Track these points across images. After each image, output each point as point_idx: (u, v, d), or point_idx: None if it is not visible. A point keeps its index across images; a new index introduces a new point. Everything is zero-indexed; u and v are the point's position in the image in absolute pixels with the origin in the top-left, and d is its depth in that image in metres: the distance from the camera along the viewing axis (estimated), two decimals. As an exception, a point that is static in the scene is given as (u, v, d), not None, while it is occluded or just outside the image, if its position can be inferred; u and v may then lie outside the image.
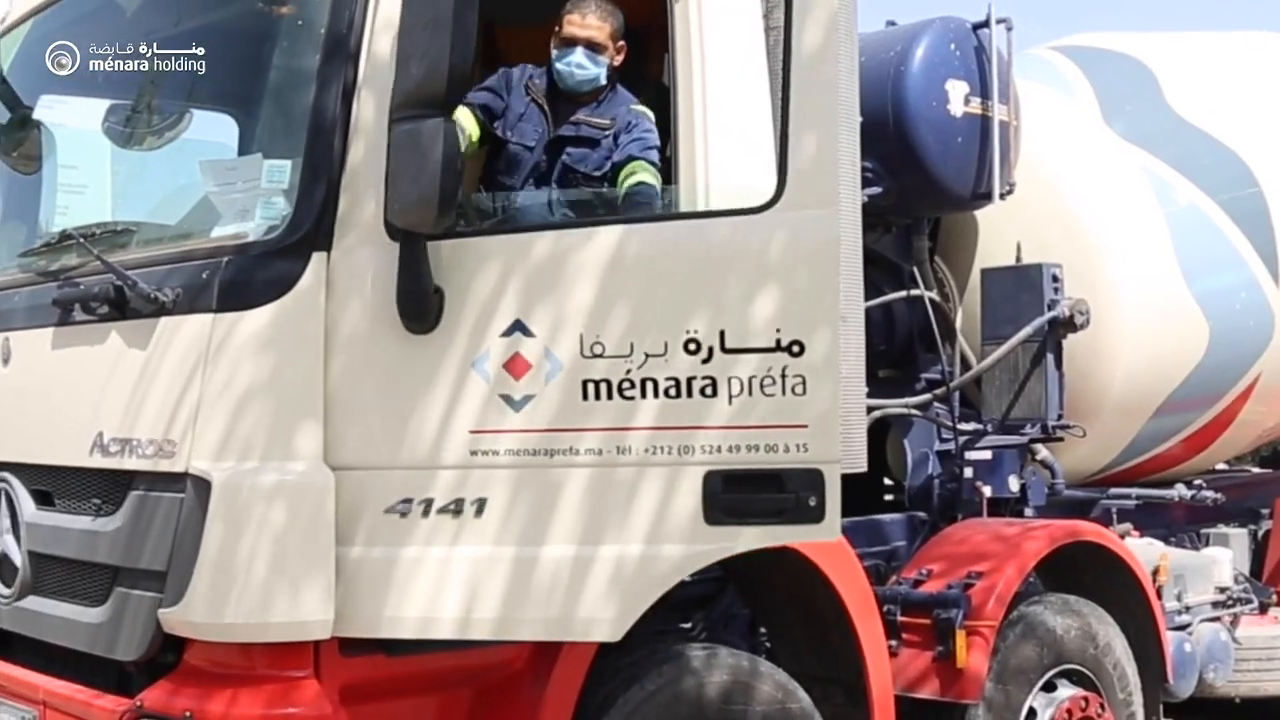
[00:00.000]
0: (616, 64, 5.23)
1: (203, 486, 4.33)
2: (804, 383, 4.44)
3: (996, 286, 7.33)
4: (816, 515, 4.51)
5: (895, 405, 7.05)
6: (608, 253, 4.51)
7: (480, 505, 4.47)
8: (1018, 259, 7.33)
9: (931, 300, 7.31)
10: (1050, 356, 7.17)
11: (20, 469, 5.18)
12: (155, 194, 5.55)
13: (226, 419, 4.37)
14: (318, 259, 4.39)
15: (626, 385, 4.44)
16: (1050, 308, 7.11)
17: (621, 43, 5.17)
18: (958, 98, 6.92)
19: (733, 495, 4.49)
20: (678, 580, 4.62)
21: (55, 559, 5.00)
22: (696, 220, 4.74)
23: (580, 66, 5.15)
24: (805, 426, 4.47)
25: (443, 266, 4.40)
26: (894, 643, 6.20)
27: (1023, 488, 7.45)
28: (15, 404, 5.27)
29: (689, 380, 4.43)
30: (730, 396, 4.44)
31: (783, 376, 4.43)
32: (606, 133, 5.20)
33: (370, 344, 4.45)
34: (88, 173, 5.57)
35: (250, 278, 4.39)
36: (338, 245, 4.41)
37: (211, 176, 4.80)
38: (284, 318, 4.38)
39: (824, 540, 4.78)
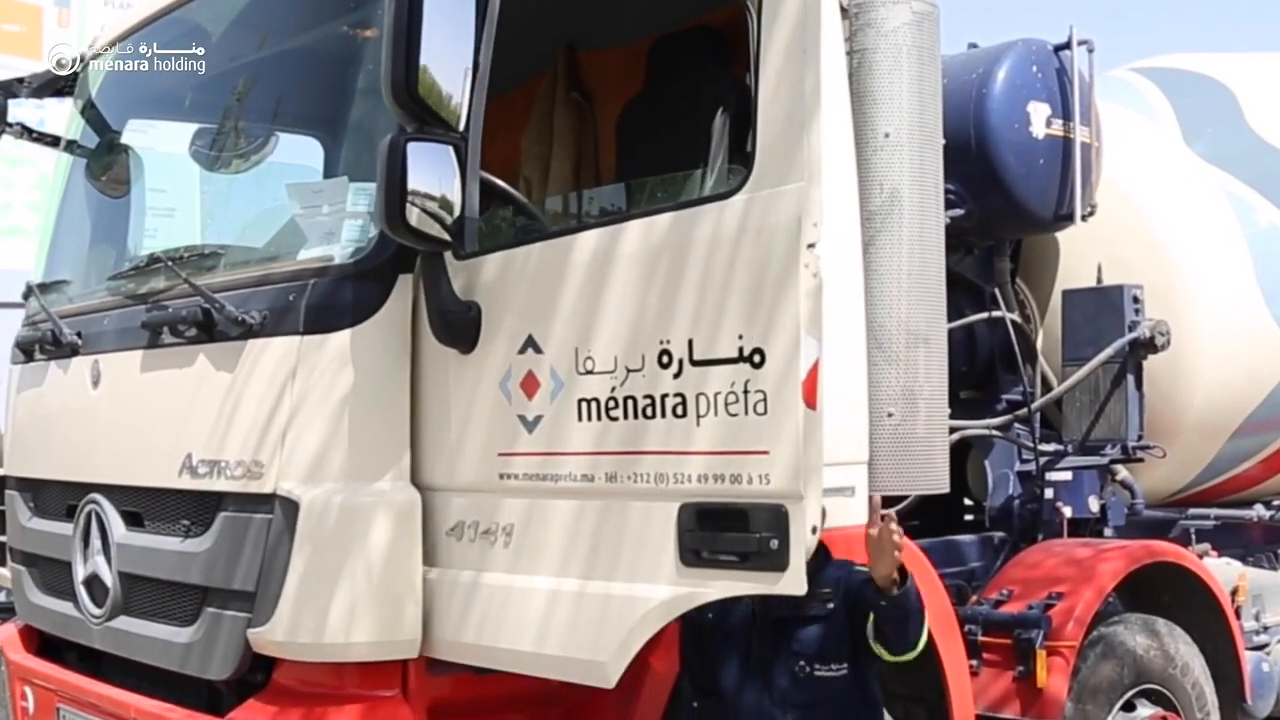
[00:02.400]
0: None
1: (290, 507, 4.30)
2: (765, 400, 3.72)
3: (1078, 308, 7.17)
4: (779, 562, 3.70)
5: (976, 426, 6.89)
6: (591, 255, 4.16)
7: (508, 532, 4.30)
8: (1099, 280, 7.19)
9: (1013, 321, 7.15)
10: (1130, 377, 7.01)
11: (110, 490, 5.16)
12: (242, 217, 5.53)
13: (313, 440, 4.35)
14: (402, 281, 4.37)
15: (611, 404, 4.02)
16: (1131, 329, 6.94)
17: None
18: (1039, 120, 6.77)
19: (702, 533, 3.87)
20: (664, 624, 4.10)
21: (145, 579, 4.98)
22: (672, 213, 4.07)
23: None
24: (766, 453, 3.72)
25: (477, 284, 4.32)
26: (975, 662, 6.09)
27: (1103, 508, 7.30)
28: (105, 426, 5.25)
29: (662, 398, 3.92)
30: (698, 417, 3.85)
31: (745, 393, 3.76)
32: None
33: (438, 365, 4.41)
34: (176, 196, 5.61)
35: (336, 300, 4.36)
36: (422, 267, 4.35)
37: (298, 199, 4.77)
38: (369, 339, 4.35)
39: (790, 593, 3.75)
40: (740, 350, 3.77)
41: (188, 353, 4.73)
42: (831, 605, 4.36)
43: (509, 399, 4.23)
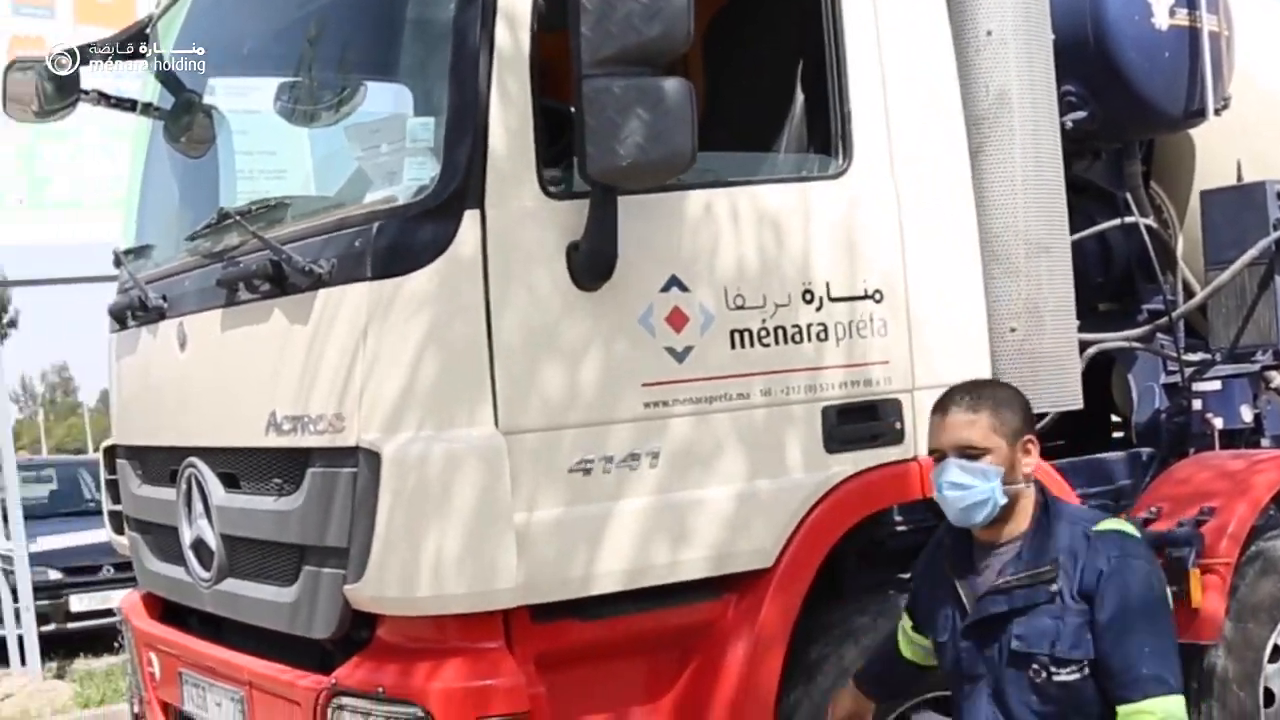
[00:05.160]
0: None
1: (373, 459, 4.21)
2: (885, 325, 4.95)
3: (1218, 208, 6.84)
4: (900, 437, 5.00)
5: (1115, 339, 6.62)
6: (746, 212, 4.71)
7: (655, 456, 4.51)
8: (1239, 178, 6.86)
9: (1148, 227, 6.85)
10: (1279, 278, 6.67)
11: (206, 453, 5.15)
12: (310, 166, 5.47)
13: (391, 388, 4.26)
14: (471, 217, 4.24)
15: (763, 333, 4.70)
16: (1276, 227, 6.62)
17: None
18: (1162, 9, 6.41)
19: (844, 426, 4.87)
20: (812, 505, 4.79)
21: (246, 541, 4.96)
22: (803, 184, 4.95)
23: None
24: (888, 362, 4.96)
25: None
26: (1125, 584, 5.83)
27: (1257, 417, 6.98)
28: (195, 388, 5.25)
29: (807, 326, 4.79)
30: (836, 340, 4.85)
31: (869, 320, 4.91)
32: None
33: (534, 303, 4.33)
34: (248, 151, 5.55)
35: (403, 241, 4.26)
36: (491, 203, 4.26)
37: (358, 141, 4.74)
38: (442, 280, 4.24)
39: (903, 459, 5.00)
40: (865, 290, 4.92)
41: (263, 308, 4.68)
42: (1055, 585, 3.82)
43: (652, 333, 4.51)
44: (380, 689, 4.29)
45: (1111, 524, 3.97)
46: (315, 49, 5.07)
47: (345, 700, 4.39)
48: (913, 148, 5.04)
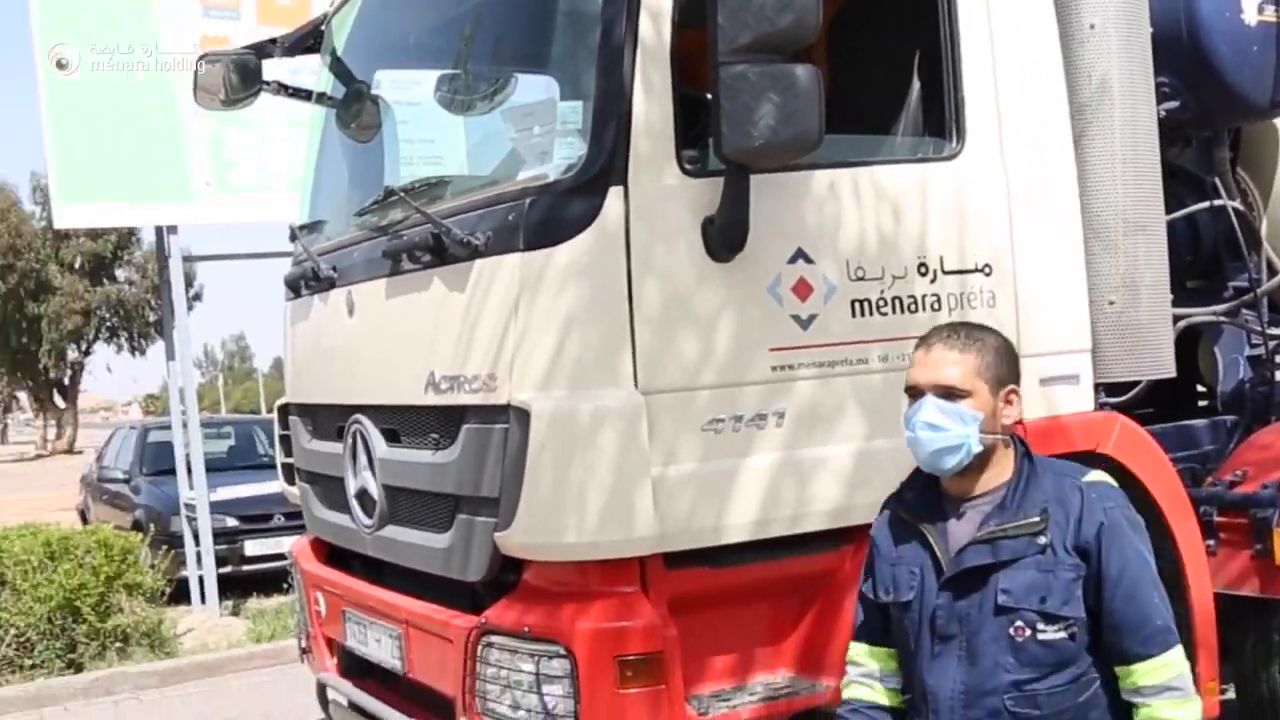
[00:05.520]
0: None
1: (523, 417, 4.18)
2: (994, 296, 4.84)
3: (1300, 192, 6.63)
4: None
5: (1203, 314, 6.41)
6: (866, 190, 4.61)
7: (780, 416, 4.43)
8: (1320, 163, 6.61)
9: (1235, 210, 6.61)
10: (1354, 257, 6.44)
11: (370, 410, 5.14)
12: (466, 149, 5.43)
13: (540, 351, 4.21)
14: (615, 193, 4.19)
15: (881, 303, 4.61)
16: (1354, 208, 6.39)
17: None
18: (1251, 6, 6.18)
19: None
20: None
21: (406, 491, 4.95)
22: (918, 165, 4.86)
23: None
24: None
25: None
26: (1211, 542, 5.66)
27: (1336, 387, 6.74)
28: (361, 350, 5.23)
29: (922, 297, 4.69)
30: (949, 310, 4.72)
31: (979, 292, 4.80)
32: None
33: (672, 273, 4.28)
34: (410, 138, 5.53)
35: (553, 215, 4.22)
36: (634, 180, 4.21)
37: (512, 124, 4.72)
38: (587, 251, 4.20)
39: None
40: (975, 264, 4.81)
41: (424, 277, 4.65)
42: (1045, 537, 3.37)
43: (780, 302, 4.43)
44: (526, 628, 4.28)
45: (1098, 475, 3.55)
46: (472, 43, 5.04)
47: (494, 639, 4.39)
48: (1021, 133, 4.93)
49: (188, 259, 12.45)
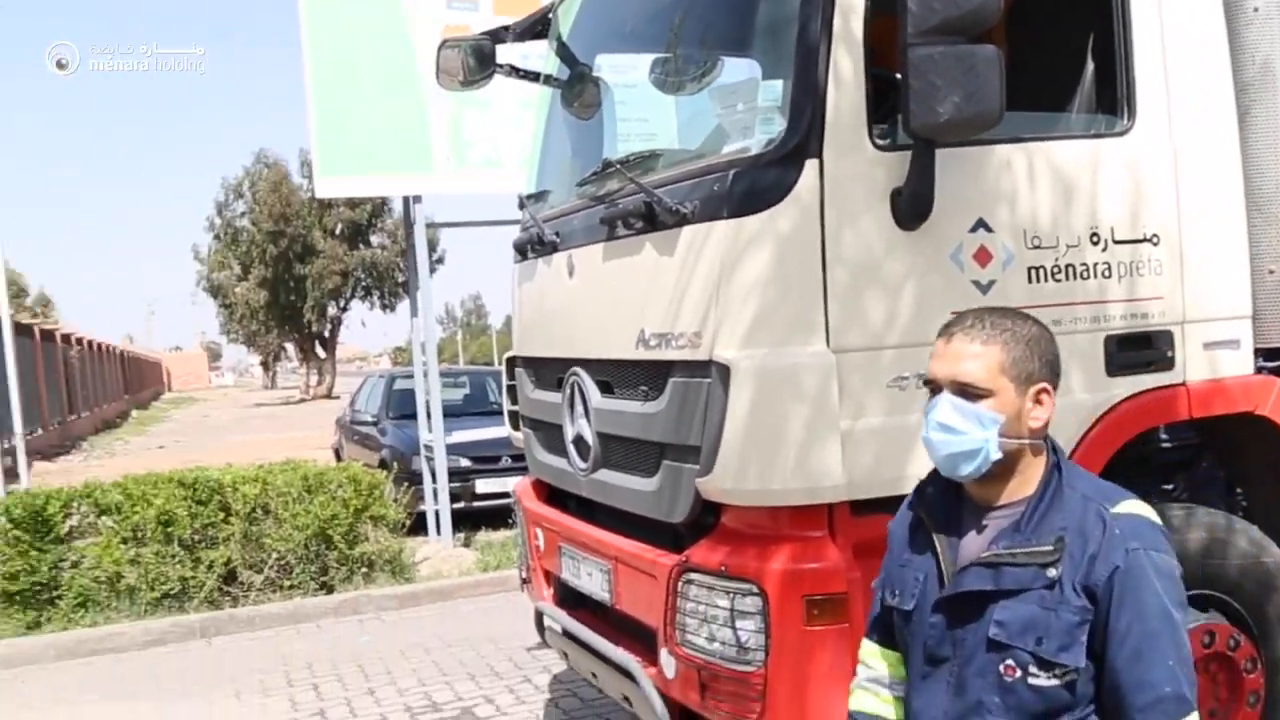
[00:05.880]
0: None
1: (724, 372, 4.17)
2: (1161, 265, 4.68)
3: None
4: (1171, 365, 4.73)
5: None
6: (1042, 164, 4.49)
7: None
8: None
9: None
10: None
11: (586, 363, 5.18)
12: (676, 126, 5.38)
13: (740, 311, 4.19)
14: (810, 166, 4.15)
15: (1055, 270, 4.50)
16: None
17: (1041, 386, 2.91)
18: None
19: (1124, 353, 4.63)
20: (1095, 420, 4.58)
21: (617, 438, 4.99)
22: (1091, 140, 4.71)
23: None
24: (1162, 298, 4.70)
25: None
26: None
27: None
28: (579, 309, 5.27)
29: (1094, 264, 4.56)
30: (1119, 277, 4.60)
31: (1148, 260, 4.66)
32: None
33: (862, 240, 4.22)
34: (626, 118, 5.49)
35: (754, 186, 4.19)
36: (829, 153, 4.16)
37: (718, 102, 4.66)
38: (785, 219, 4.15)
39: (1173, 384, 4.74)
40: (1144, 234, 4.66)
41: (636, 242, 4.66)
42: (1055, 570, 2.75)
43: (961, 268, 4.35)
44: (723, 567, 4.27)
45: (1132, 506, 2.82)
46: (682, 29, 5.01)
47: (694, 576, 4.40)
48: (1188, 110, 4.76)
49: (430, 225, 12.68)
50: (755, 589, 4.17)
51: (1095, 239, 4.54)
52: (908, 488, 4.17)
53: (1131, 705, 2.67)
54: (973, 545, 2.87)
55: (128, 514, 10.23)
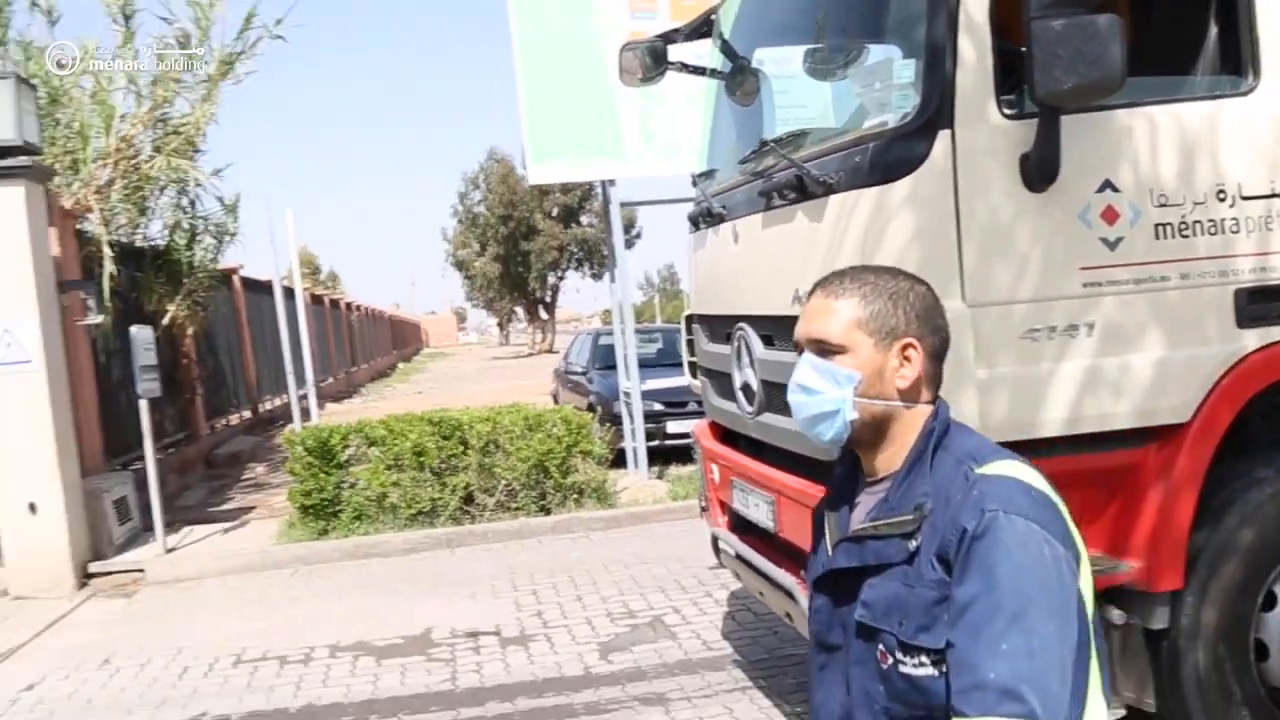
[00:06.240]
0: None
1: None
2: None
3: None
4: None
5: None
6: (1167, 125, 4.10)
7: (1090, 327, 4.02)
8: None
9: None
10: None
11: (750, 319, 5.00)
12: (823, 106, 5.10)
13: None
14: (943, 136, 3.89)
15: (1183, 226, 4.09)
16: None
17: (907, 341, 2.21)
18: None
19: (1254, 305, 4.16)
20: (1225, 370, 4.14)
21: (778, 385, 4.78)
22: (1215, 101, 4.22)
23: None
24: None
25: None
26: None
27: None
28: (743, 271, 5.07)
29: (1221, 220, 4.12)
30: (1247, 232, 4.15)
31: (1275, 215, 4.17)
32: None
33: (993, 203, 3.93)
34: (782, 104, 5.28)
35: (892, 156, 3.95)
36: (960, 124, 3.90)
37: (859, 82, 4.45)
38: (922, 186, 3.90)
39: None
40: (1272, 189, 4.16)
41: (790, 211, 4.45)
42: (915, 542, 2.05)
43: (1089, 226, 4.01)
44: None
45: (1005, 465, 2.05)
46: (825, 21, 4.82)
47: None
48: None
49: (624, 205, 12.66)
50: None
51: (1222, 196, 4.13)
52: (1039, 433, 3.98)
53: (955, 688, 1.89)
54: (853, 522, 2.23)
55: (390, 446, 10.69)
